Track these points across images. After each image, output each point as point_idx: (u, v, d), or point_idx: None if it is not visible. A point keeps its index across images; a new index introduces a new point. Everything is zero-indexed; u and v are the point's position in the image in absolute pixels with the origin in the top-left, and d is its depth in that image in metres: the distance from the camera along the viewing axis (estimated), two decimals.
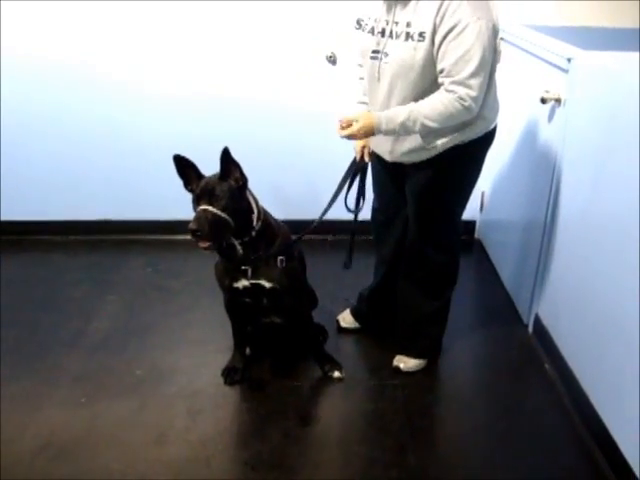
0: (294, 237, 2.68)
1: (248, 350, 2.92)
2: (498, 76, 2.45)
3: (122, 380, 2.84)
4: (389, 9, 2.32)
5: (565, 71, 2.70)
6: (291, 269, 2.62)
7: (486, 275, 3.72)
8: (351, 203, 2.79)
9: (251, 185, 2.48)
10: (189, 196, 2.43)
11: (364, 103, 2.66)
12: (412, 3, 2.25)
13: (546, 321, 2.97)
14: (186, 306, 3.38)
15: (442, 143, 2.42)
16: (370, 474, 2.38)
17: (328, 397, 2.81)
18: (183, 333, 3.17)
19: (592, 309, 2.50)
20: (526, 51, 3.14)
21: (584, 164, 2.59)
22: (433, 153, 2.46)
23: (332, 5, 3.47)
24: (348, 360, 2.94)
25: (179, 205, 2.69)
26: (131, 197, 4.03)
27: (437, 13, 2.18)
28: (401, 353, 2.91)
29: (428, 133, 2.38)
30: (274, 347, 3.02)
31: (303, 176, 3.93)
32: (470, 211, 3.14)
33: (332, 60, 3.60)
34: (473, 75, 2.20)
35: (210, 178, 2.41)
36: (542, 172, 2.94)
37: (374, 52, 2.39)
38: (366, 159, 2.75)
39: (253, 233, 2.49)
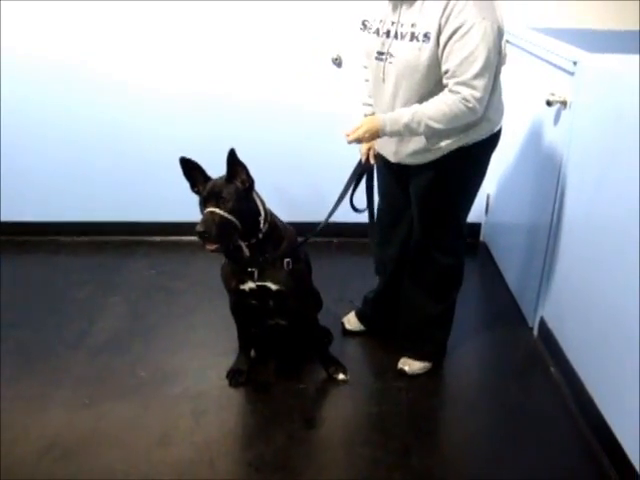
0: (300, 239, 2.68)
1: (253, 352, 2.92)
2: (504, 78, 2.45)
3: (126, 381, 2.84)
4: (394, 9, 2.33)
5: (571, 74, 2.70)
6: (297, 271, 2.62)
7: (491, 277, 3.71)
8: (357, 204, 2.78)
9: (257, 187, 2.48)
10: (194, 198, 2.44)
11: (369, 105, 2.67)
12: (418, 3, 2.25)
13: (551, 324, 2.97)
14: (191, 308, 3.38)
15: (446, 145, 2.42)
16: (374, 476, 2.38)
17: (333, 399, 2.81)
18: (187, 335, 3.17)
19: (597, 312, 2.50)
20: (532, 54, 3.14)
21: (590, 167, 2.58)
22: (437, 155, 2.46)
23: (338, 7, 3.47)
24: (353, 362, 2.93)
25: (184, 207, 2.71)
26: (136, 199, 4.03)
27: (442, 14, 2.17)
28: (406, 356, 2.91)
29: (433, 134, 2.38)
30: (279, 349, 3.01)
31: (308, 178, 3.94)
32: (475, 213, 3.14)
33: (337, 62, 3.61)
34: (477, 76, 2.19)
35: (217, 180, 2.41)
36: (548, 175, 2.94)
37: (379, 53, 2.39)
38: (372, 161, 2.75)
39: (260, 235, 2.49)
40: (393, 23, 2.33)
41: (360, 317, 3.17)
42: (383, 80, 2.41)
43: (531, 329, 3.17)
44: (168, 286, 3.61)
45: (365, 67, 2.58)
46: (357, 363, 2.99)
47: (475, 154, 2.50)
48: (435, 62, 2.25)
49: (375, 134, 2.38)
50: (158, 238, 4.10)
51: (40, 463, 2.40)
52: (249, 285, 2.59)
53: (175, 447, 2.49)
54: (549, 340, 2.96)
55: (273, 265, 2.55)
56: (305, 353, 2.96)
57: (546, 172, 2.96)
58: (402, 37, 2.29)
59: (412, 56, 2.27)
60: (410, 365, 2.88)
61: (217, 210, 2.34)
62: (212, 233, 2.31)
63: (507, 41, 2.36)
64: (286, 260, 2.56)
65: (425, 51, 2.24)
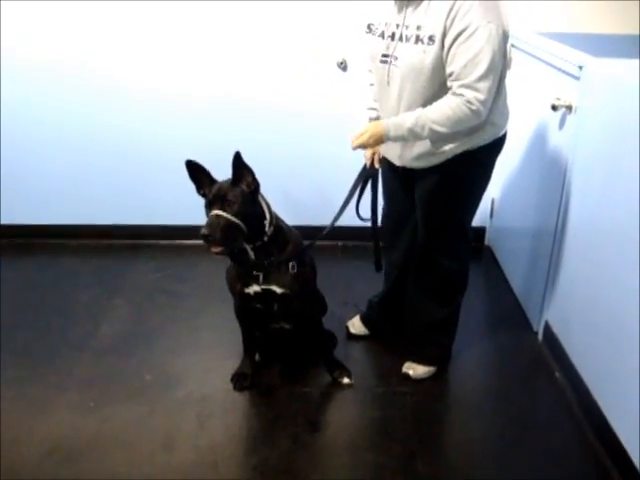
0: (305, 243, 2.68)
1: (257, 356, 2.92)
2: (509, 83, 2.45)
3: (131, 384, 2.84)
4: (400, 11, 2.33)
5: (576, 78, 2.70)
6: (302, 275, 2.62)
7: (496, 282, 3.71)
8: (362, 210, 2.78)
9: (262, 190, 2.48)
10: (198, 201, 2.44)
11: (374, 109, 2.67)
12: (423, 5, 2.25)
13: (556, 328, 2.96)
14: (195, 311, 3.39)
15: (451, 149, 2.42)
16: None
17: (337, 403, 2.81)
18: (192, 338, 3.17)
19: (602, 316, 2.49)
20: (537, 58, 3.14)
21: (595, 171, 2.58)
22: (442, 159, 2.45)
23: (343, 11, 3.47)
24: (357, 366, 2.93)
25: (188, 210, 2.72)
26: (141, 202, 4.04)
27: (447, 16, 2.17)
28: (410, 360, 2.90)
29: (437, 139, 2.38)
30: (283, 353, 3.01)
31: (314, 181, 3.94)
32: (480, 217, 3.15)
33: (343, 66, 3.61)
34: (482, 78, 2.19)
35: (222, 183, 2.41)
36: (553, 179, 2.93)
37: (384, 56, 2.39)
38: (376, 165, 2.75)
39: (265, 238, 2.49)
40: (398, 26, 2.33)
41: (365, 321, 3.17)
42: (388, 83, 2.41)
43: (536, 333, 3.17)
44: (173, 289, 3.61)
45: (370, 71, 2.59)
46: (362, 367, 2.99)
47: (480, 158, 2.50)
48: (440, 65, 2.25)
49: (379, 139, 2.38)
50: (163, 241, 4.11)
51: (44, 465, 2.40)
52: (254, 288, 2.59)
53: (179, 450, 2.48)
54: (554, 344, 2.95)
55: (278, 268, 2.55)
56: (310, 357, 2.96)
57: (551, 176, 2.96)
58: (407, 40, 2.30)
59: (417, 59, 2.27)
60: (415, 369, 2.88)
61: (222, 213, 2.34)
62: (217, 236, 2.31)
63: (513, 45, 2.37)
64: (291, 263, 2.56)
65: (430, 53, 2.24)
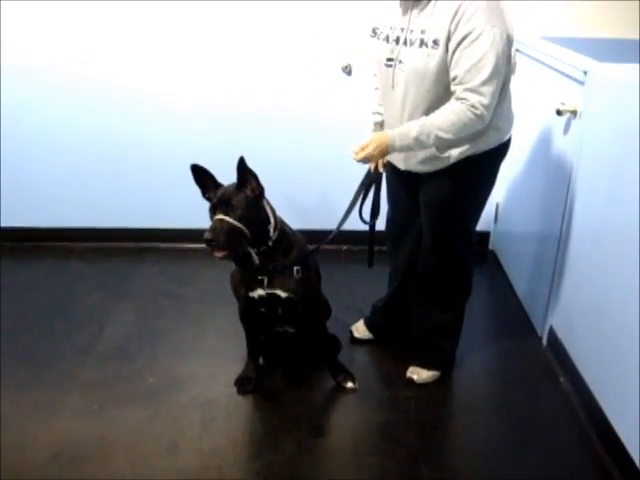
0: (310, 247, 2.68)
1: (261, 360, 2.92)
2: (514, 87, 2.45)
3: (135, 388, 2.84)
4: (405, 14, 2.33)
5: (581, 83, 2.70)
6: (307, 279, 2.62)
7: (500, 287, 3.70)
8: (366, 214, 2.79)
9: (266, 194, 2.49)
10: (204, 205, 2.44)
11: (379, 113, 2.67)
12: (429, 8, 2.25)
13: (560, 333, 2.96)
14: (199, 315, 3.39)
15: (456, 153, 2.42)
16: None
17: (341, 408, 2.81)
18: (196, 342, 3.17)
19: (607, 322, 2.49)
20: (542, 63, 3.14)
21: (600, 176, 2.58)
22: (446, 163, 2.45)
23: (348, 15, 3.48)
24: (361, 371, 2.93)
25: (194, 214, 2.72)
26: (146, 205, 4.05)
27: (452, 20, 2.18)
28: (414, 364, 2.90)
29: (442, 145, 2.38)
30: (287, 357, 3.01)
31: (318, 186, 3.94)
32: (484, 222, 3.14)
33: (347, 71, 3.61)
34: (485, 82, 2.19)
35: (227, 188, 2.41)
36: (557, 184, 2.93)
37: (388, 60, 2.39)
38: (380, 170, 2.75)
39: (270, 243, 2.49)
40: (403, 30, 2.33)
41: (369, 325, 3.17)
42: (392, 87, 2.42)
43: (540, 338, 3.16)
44: (177, 293, 3.62)
45: (375, 75, 2.59)
46: (366, 371, 2.99)
47: (484, 163, 2.50)
48: (444, 68, 2.26)
49: (384, 150, 2.37)
50: (167, 245, 4.11)
51: (48, 469, 2.41)
52: (258, 292, 2.59)
53: (183, 454, 2.49)
54: (558, 350, 2.95)
55: (283, 273, 2.55)
56: (313, 361, 2.96)
57: (556, 181, 2.96)
58: (411, 44, 2.30)
59: (421, 62, 2.27)
60: (419, 374, 2.88)
61: (226, 218, 2.34)
62: (220, 240, 2.31)
63: (517, 50, 2.36)
64: (296, 268, 2.56)
65: (434, 57, 2.24)
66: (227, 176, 2.42)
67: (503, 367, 3.08)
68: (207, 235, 2.31)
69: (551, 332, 3.05)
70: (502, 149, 2.52)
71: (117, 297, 3.55)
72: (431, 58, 2.25)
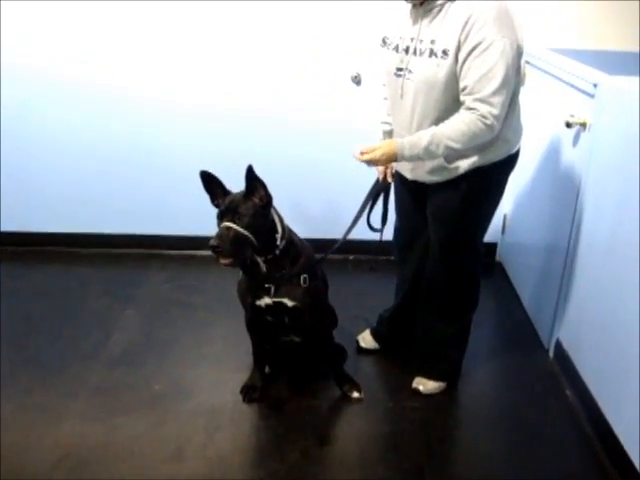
0: (317, 256, 2.68)
1: (267, 368, 2.92)
2: (523, 99, 2.46)
3: (140, 395, 2.84)
4: (415, 23, 2.34)
5: (591, 96, 2.70)
6: (314, 288, 2.62)
7: (507, 298, 3.69)
8: (374, 223, 2.79)
9: (273, 203, 2.49)
10: (211, 212, 2.44)
11: (388, 123, 2.68)
12: (439, 18, 2.26)
13: (567, 346, 2.95)
14: (206, 322, 3.39)
15: (464, 164, 2.42)
16: None
17: (346, 417, 2.80)
18: (202, 349, 3.17)
19: (614, 335, 2.48)
20: (551, 75, 3.14)
21: (609, 189, 2.57)
22: (455, 174, 2.45)
23: (358, 25, 3.49)
24: (367, 381, 2.93)
25: (201, 221, 2.73)
26: (154, 212, 4.06)
27: (462, 30, 2.18)
28: (421, 375, 2.89)
29: (451, 155, 2.38)
30: (293, 366, 3.01)
31: (325, 195, 3.95)
32: (492, 233, 3.13)
33: (357, 80, 3.62)
34: (495, 93, 2.20)
35: (235, 195, 2.42)
36: (565, 196, 2.93)
37: (398, 69, 2.40)
38: (389, 179, 2.76)
39: (277, 251, 2.50)
40: (412, 39, 2.34)
41: (375, 335, 3.17)
42: (402, 96, 2.42)
43: (547, 351, 3.15)
44: (184, 300, 3.62)
45: (384, 85, 2.60)
46: (371, 381, 2.98)
47: (493, 174, 2.50)
48: (453, 78, 2.26)
49: (392, 157, 2.37)
50: (174, 252, 4.12)
51: (53, 473, 2.41)
52: (265, 301, 2.59)
53: (188, 462, 2.48)
54: (565, 362, 2.94)
55: (290, 281, 2.55)
56: (319, 370, 2.95)
57: (564, 193, 2.95)
58: (421, 53, 2.31)
59: (430, 72, 2.28)
60: (425, 384, 2.87)
61: (232, 225, 2.35)
62: (226, 247, 2.32)
63: (527, 62, 2.37)
64: (303, 277, 2.56)
65: (443, 67, 2.25)
66: (235, 183, 2.43)
67: (509, 379, 3.06)
68: (213, 242, 2.32)
69: (558, 345, 3.04)
70: (511, 161, 2.52)
71: (124, 303, 3.55)
72: (440, 68, 2.26)
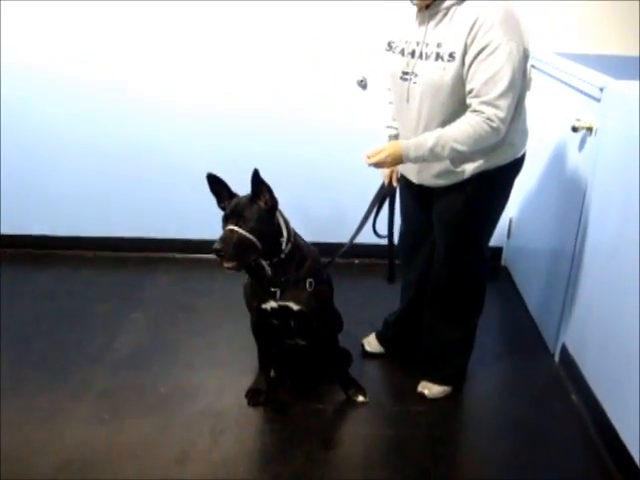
0: (323, 260, 2.68)
1: (272, 372, 2.92)
2: (529, 104, 2.45)
3: (146, 398, 2.85)
4: (420, 26, 2.33)
5: (597, 100, 2.70)
6: (320, 292, 2.62)
7: (512, 302, 3.69)
8: (379, 228, 2.79)
9: (279, 206, 2.49)
10: (217, 215, 2.45)
11: (393, 128, 2.68)
12: (445, 21, 2.26)
13: (573, 350, 2.94)
14: (211, 325, 3.39)
15: (470, 168, 2.42)
16: None
17: (351, 421, 2.80)
18: (208, 353, 3.17)
19: (619, 340, 2.47)
20: (558, 79, 3.14)
21: (614, 193, 2.57)
22: (461, 178, 2.45)
23: (364, 29, 3.49)
24: (372, 385, 2.92)
25: (206, 224, 2.72)
26: (159, 215, 4.06)
27: (469, 33, 2.18)
28: (426, 379, 2.89)
29: (456, 158, 2.38)
30: (298, 369, 3.01)
31: (331, 198, 3.95)
32: (497, 237, 3.13)
33: (363, 84, 3.63)
34: (502, 96, 2.20)
35: (241, 199, 2.42)
36: (571, 200, 2.93)
37: (404, 73, 2.40)
38: (394, 184, 2.75)
39: (282, 255, 2.50)
40: (418, 43, 2.34)
41: (380, 339, 3.16)
42: (407, 100, 2.42)
43: (552, 355, 3.15)
44: (189, 303, 3.62)
45: (389, 89, 2.59)
46: (376, 385, 2.98)
47: (499, 179, 2.50)
48: (459, 82, 2.26)
49: (398, 159, 2.38)
50: (180, 255, 4.13)
51: (58, 477, 2.41)
52: (271, 304, 2.59)
53: (193, 465, 2.48)
54: (570, 367, 2.93)
55: (295, 285, 2.55)
56: (324, 374, 2.95)
57: (570, 198, 2.95)
58: (427, 57, 2.30)
59: (437, 76, 2.28)
60: (430, 389, 2.87)
61: (237, 229, 2.35)
62: (229, 251, 2.32)
63: (533, 66, 2.37)
64: (309, 280, 2.56)
65: (450, 70, 2.25)
66: (242, 186, 2.43)
67: (514, 383, 3.06)
68: (216, 245, 2.32)
69: (563, 349, 3.03)
70: (516, 165, 2.52)
71: (129, 306, 3.56)
72: (447, 71, 2.25)
